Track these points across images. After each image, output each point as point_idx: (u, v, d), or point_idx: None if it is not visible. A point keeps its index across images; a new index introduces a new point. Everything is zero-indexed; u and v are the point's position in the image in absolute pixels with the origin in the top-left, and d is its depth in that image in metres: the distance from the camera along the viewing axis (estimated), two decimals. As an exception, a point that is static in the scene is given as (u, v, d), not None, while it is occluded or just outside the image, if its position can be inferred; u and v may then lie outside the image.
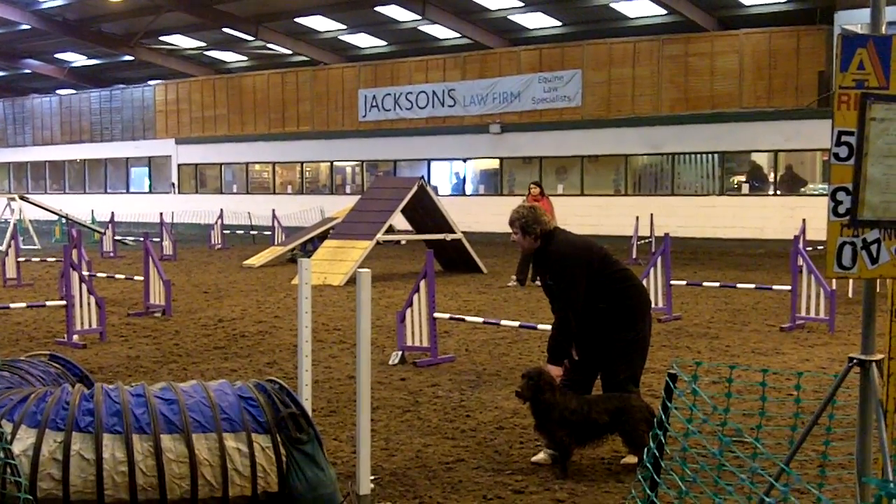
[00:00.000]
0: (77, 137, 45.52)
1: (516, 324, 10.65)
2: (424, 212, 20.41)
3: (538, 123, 31.13)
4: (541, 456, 6.43)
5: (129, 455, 5.06)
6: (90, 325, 11.69)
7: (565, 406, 6.13)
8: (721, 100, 28.00)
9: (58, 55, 44.78)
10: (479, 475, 6.19)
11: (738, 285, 14.97)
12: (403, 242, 26.93)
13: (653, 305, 13.09)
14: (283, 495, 5.35)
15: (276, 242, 26.06)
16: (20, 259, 19.17)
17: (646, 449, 4.14)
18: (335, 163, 37.33)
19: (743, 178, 28.52)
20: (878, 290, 4.05)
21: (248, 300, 15.73)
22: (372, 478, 5.62)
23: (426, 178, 25.16)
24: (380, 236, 19.46)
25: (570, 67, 30.54)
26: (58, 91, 48.60)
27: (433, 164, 34.52)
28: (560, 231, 6.76)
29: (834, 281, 12.32)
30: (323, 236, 21.82)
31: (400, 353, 10.15)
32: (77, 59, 45.18)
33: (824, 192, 25.90)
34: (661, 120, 28.83)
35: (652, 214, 25.24)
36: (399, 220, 21.74)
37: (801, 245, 13.05)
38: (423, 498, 5.73)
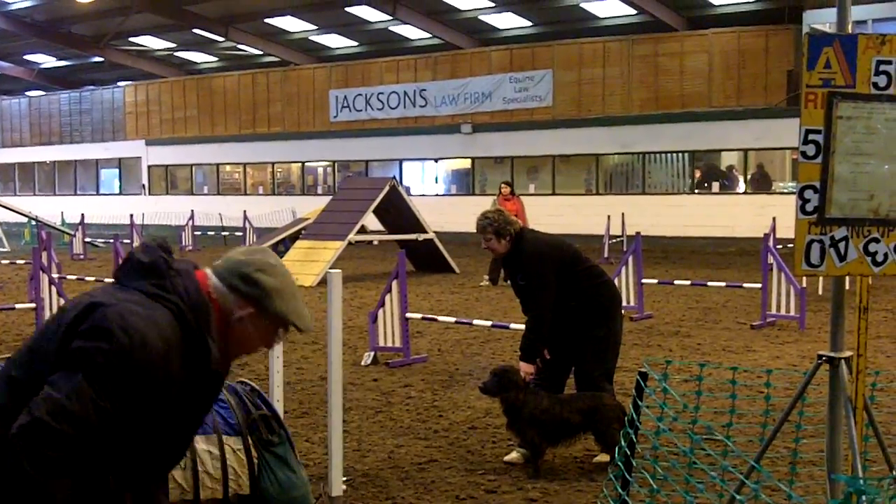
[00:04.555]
0: (47, 139, 45.12)
1: (489, 323, 10.65)
2: (396, 212, 20.38)
3: (509, 123, 31.18)
4: (513, 455, 6.44)
5: (98, 459, 5.01)
6: (59, 328, 11.56)
7: (535, 405, 6.14)
8: (691, 99, 28.17)
9: (27, 56, 44.40)
10: (452, 475, 6.18)
11: (709, 283, 15.06)
12: (375, 243, 26.87)
13: (624, 304, 13.16)
14: (254, 498, 5.32)
15: (247, 243, 25.94)
16: (-12, 262, 18.98)
17: (617, 448, 4.15)
18: (306, 163, 37.22)
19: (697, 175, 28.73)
20: (847, 287, 4.08)
21: (220, 302, 15.61)
22: (344, 479, 5.60)
23: (398, 178, 25.15)
24: (352, 237, 19.41)
25: (541, 67, 30.62)
26: (27, 93, 48.17)
27: (405, 164, 34.50)
28: (528, 231, 6.78)
29: (804, 279, 12.43)
30: (294, 237, 21.74)
31: (372, 353, 10.13)
32: (46, 61, 44.82)
33: (794, 191, 26.15)
34: (631, 119, 28.96)
35: (623, 213, 25.36)
36: (371, 221, 21.69)
37: (771, 243, 13.13)
38: (396, 499, 5.72)
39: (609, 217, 24.24)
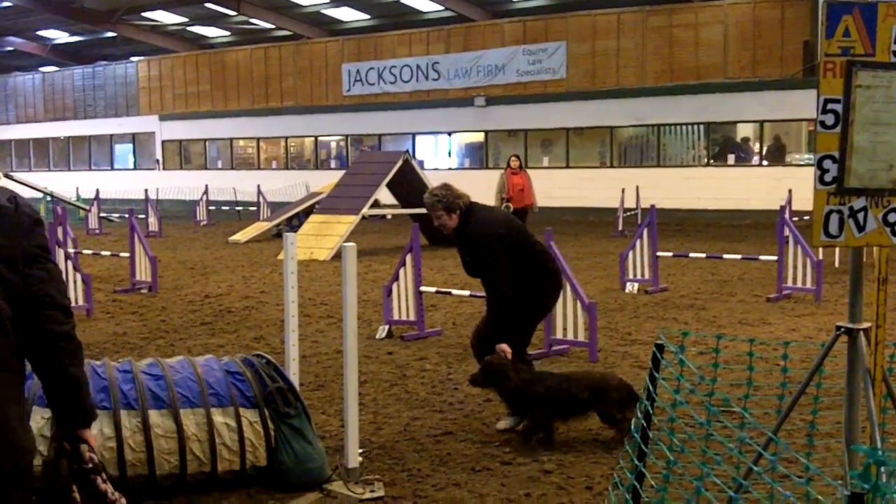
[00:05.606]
0: (61, 115, 45.16)
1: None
2: (410, 186, 20.35)
3: (523, 96, 31.04)
4: (503, 423, 6.48)
5: (116, 431, 5.06)
6: (76, 302, 11.63)
7: (539, 385, 6.16)
8: (706, 71, 27.96)
9: (40, 32, 44.35)
10: (468, 447, 6.20)
11: (725, 256, 15.01)
12: (389, 217, 26.87)
13: (639, 277, 13.17)
14: (271, 469, 5.36)
15: (261, 218, 25.99)
16: (4, 237, 19.04)
17: (629, 422, 4.14)
18: (319, 138, 37.17)
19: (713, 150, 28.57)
20: (864, 258, 4.05)
21: (234, 276, 15.69)
22: (360, 451, 5.62)
23: (411, 151, 25.11)
24: (365, 211, 19.41)
25: (555, 40, 30.43)
26: (40, 68, 48.16)
27: (418, 137, 34.41)
28: (478, 206, 6.67)
29: (821, 251, 12.37)
30: (308, 211, 21.75)
31: (387, 327, 10.14)
32: (59, 36, 44.77)
33: (810, 163, 25.96)
34: (646, 91, 28.79)
35: (638, 186, 25.25)
36: (384, 195, 21.68)
37: (787, 215, 13.06)
38: (412, 471, 5.74)
39: (623, 190, 24.15)
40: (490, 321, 6.55)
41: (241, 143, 39.63)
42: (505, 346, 6.36)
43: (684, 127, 28.85)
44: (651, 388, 3.97)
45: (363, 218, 19.86)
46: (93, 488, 2.86)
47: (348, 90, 35.21)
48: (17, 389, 2.69)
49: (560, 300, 8.99)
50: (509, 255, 6.40)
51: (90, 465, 2.86)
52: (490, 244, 6.39)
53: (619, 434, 6.01)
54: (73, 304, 11.29)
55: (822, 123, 3.76)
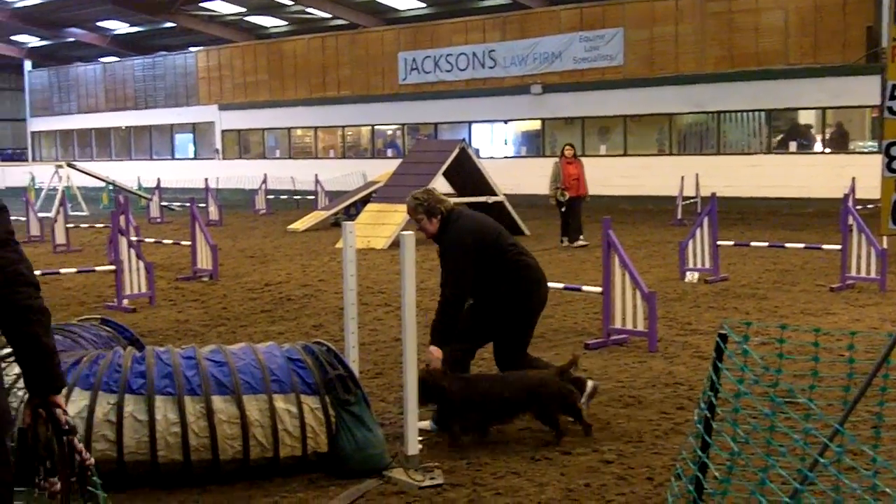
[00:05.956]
0: (122, 105, 45.85)
1: (560, 286, 10.60)
2: (466, 174, 20.35)
3: (579, 83, 30.85)
4: (426, 423, 6.29)
5: (181, 416, 5.13)
6: (139, 290, 11.83)
7: (473, 389, 6.09)
8: (766, 57, 27.52)
9: (100, 23, 45.01)
10: (526, 436, 6.20)
11: (787, 245, 14.80)
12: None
13: (699, 266, 13.03)
14: (332, 455, 5.40)
15: (319, 207, 26.14)
16: (69, 225, 19.44)
17: (697, 410, 4.10)
18: (376, 126, 37.30)
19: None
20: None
21: (293, 264, 15.82)
22: (419, 438, 5.64)
23: (467, 140, 25.07)
24: (422, 199, 19.41)
25: (612, 26, 30.18)
26: (101, 59, 48.91)
27: (474, 126, 34.37)
28: (458, 212, 6.65)
29: (885, 239, 12.13)
30: (365, 200, 21.85)
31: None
32: (119, 27, 45.40)
33: (874, 150, 25.49)
34: (705, 78, 28.44)
35: (697, 174, 24.95)
36: (441, 184, 21.68)
37: (850, 203, 12.84)
38: (470, 458, 5.75)
39: (683, 178, 23.90)
40: (434, 321, 6.49)
41: (299, 132, 39.91)
42: (436, 351, 6.27)
43: (744, 114, 28.45)
44: (714, 378, 3.93)
45: (420, 206, 19.85)
46: (71, 447, 3.10)
47: (404, 79, 35.26)
48: None
49: (619, 289, 8.95)
50: (481, 265, 6.40)
51: (66, 427, 3.08)
52: (456, 252, 6.41)
53: (556, 437, 6.00)
54: (136, 291, 11.57)
55: (890, 109, 3.69)
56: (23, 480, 3.14)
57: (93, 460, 3.24)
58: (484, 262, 6.43)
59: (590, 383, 6.61)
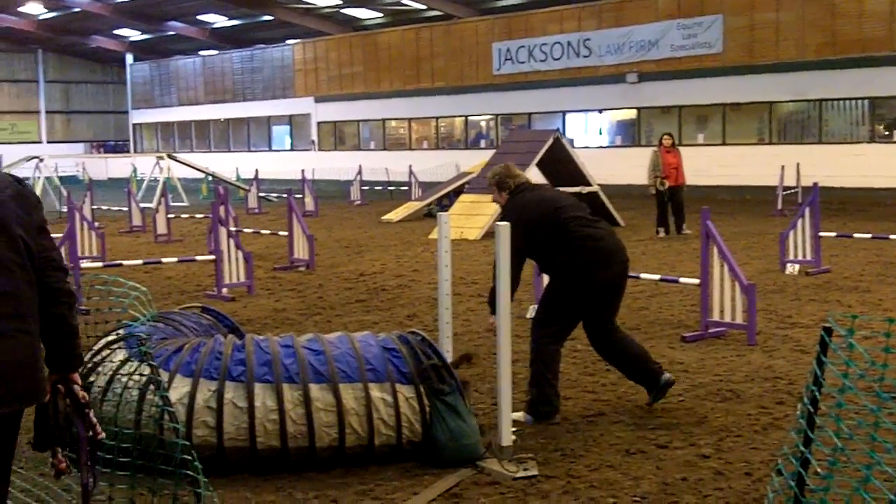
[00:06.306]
0: (220, 97, 46.78)
1: (657, 277, 10.47)
2: (560, 165, 20.22)
3: (677, 71, 30.38)
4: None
5: (279, 403, 5.21)
6: (238, 279, 12.06)
7: None
8: (870, 43, 26.68)
9: (200, 16, 45.98)
10: (621, 429, 6.14)
11: (891, 236, 14.35)
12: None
13: (800, 258, 12.73)
14: (426, 445, 5.43)
15: (413, 198, 26.29)
16: (170, 216, 19.92)
17: (800, 404, 4.02)
18: (469, 117, 37.32)
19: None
20: None
21: (388, 254, 15.95)
22: (513, 429, 5.63)
23: (561, 130, 24.90)
24: (516, 190, 19.38)
25: (710, 13, 29.63)
26: (201, 52, 49.96)
27: (568, 115, 34.14)
28: (525, 187, 6.68)
29: None
30: (458, 191, 21.89)
31: (536, 306, 10.10)
32: (218, 20, 46.32)
33: None
34: (806, 65, 27.73)
35: (798, 164, 24.36)
36: (534, 174, 21.59)
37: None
38: (565, 450, 5.72)
39: (783, 167, 23.36)
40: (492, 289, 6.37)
41: (393, 123, 40.18)
42: (491, 318, 6.17)
43: (847, 102, 27.67)
44: (818, 372, 3.83)
45: (513, 197, 19.82)
46: (87, 420, 3.35)
47: (498, 69, 35.20)
48: (39, 337, 3.14)
49: (717, 281, 8.80)
50: (541, 239, 6.39)
51: (84, 402, 3.32)
52: (512, 226, 6.27)
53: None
54: (234, 280, 11.79)
55: None
56: (41, 448, 3.37)
57: (104, 434, 3.48)
58: (543, 237, 6.40)
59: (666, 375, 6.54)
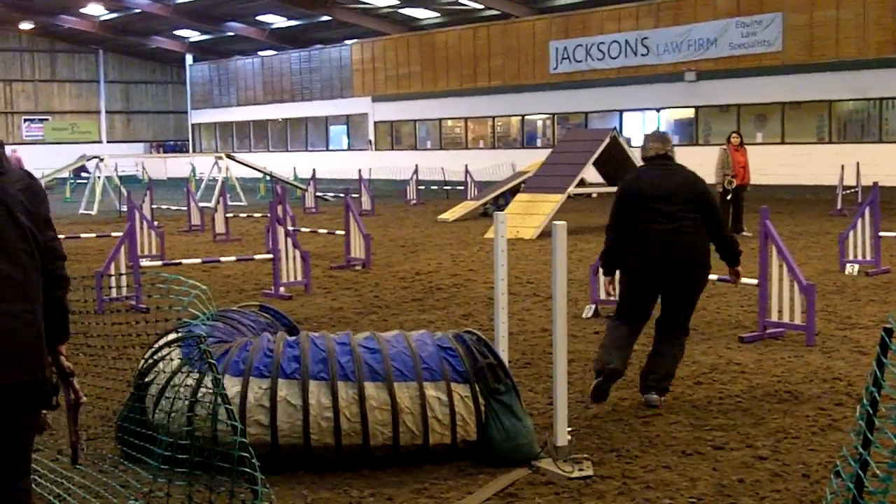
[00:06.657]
0: (279, 97, 47.21)
1: (714, 277, 10.37)
2: (616, 164, 20.11)
3: (735, 70, 30.06)
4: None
5: (333, 401, 5.25)
6: (295, 278, 12.17)
7: None
8: (934, 40, 26.19)
9: (259, 17, 46.46)
10: (677, 430, 6.10)
11: (954, 237, 14.07)
12: (595, 195, 26.65)
13: (860, 258, 12.52)
14: (481, 444, 5.44)
15: (469, 197, 26.31)
16: (228, 215, 20.15)
17: (859, 406, 3.97)
18: (526, 117, 37.25)
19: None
20: None
21: (443, 254, 15.99)
22: (569, 429, 5.63)
23: (618, 129, 24.76)
24: (571, 189, 19.34)
25: (770, 11, 29.28)
26: (259, 52, 50.46)
27: (625, 114, 33.94)
28: (646, 163, 6.96)
29: None
30: (514, 190, 21.87)
31: (593, 306, 10.09)
32: (277, 21, 46.76)
33: None
34: (867, 63, 27.28)
35: (858, 163, 23.98)
36: (591, 173, 21.52)
37: None
38: (620, 451, 5.70)
39: (843, 167, 23.01)
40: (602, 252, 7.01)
41: (450, 122, 40.24)
42: (604, 278, 7.05)
43: (910, 100, 27.18)
44: (878, 373, 3.79)
45: (569, 197, 19.79)
46: (72, 387, 3.68)
47: (555, 68, 35.10)
48: (42, 319, 3.47)
49: (775, 281, 8.70)
50: (621, 218, 6.70)
51: (69, 371, 3.66)
52: (616, 194, 6.95)
53: None
54: (292, 279, 11.90)
55: None
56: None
57: (85, 398, 3.82)
58: (624, 216, 6.70)
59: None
